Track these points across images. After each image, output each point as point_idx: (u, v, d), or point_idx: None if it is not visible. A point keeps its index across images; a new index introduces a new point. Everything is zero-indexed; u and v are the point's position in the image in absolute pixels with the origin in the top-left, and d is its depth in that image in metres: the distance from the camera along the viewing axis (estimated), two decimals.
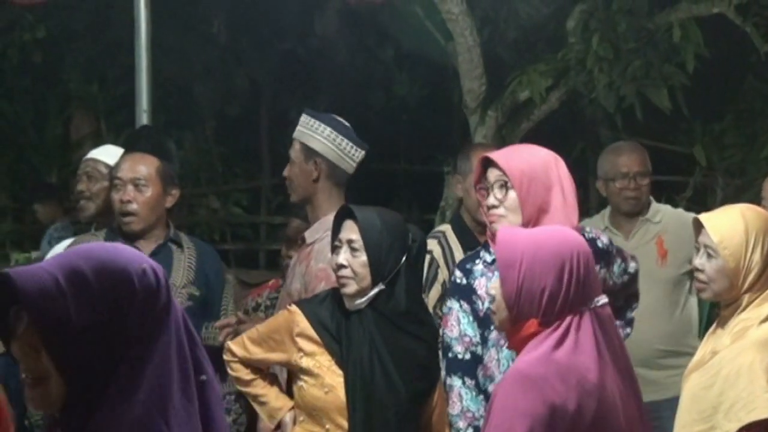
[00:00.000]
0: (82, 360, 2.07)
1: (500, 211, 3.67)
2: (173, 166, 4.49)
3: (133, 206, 4.28)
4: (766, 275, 3.53)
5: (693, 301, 5.10)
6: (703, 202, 8.79)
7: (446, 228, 4.73)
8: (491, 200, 3.69)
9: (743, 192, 8.38)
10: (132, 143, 4.50)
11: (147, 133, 4.65)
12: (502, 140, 7.19)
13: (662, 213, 5.16)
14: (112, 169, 4.40)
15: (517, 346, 3.05)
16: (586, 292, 3.01)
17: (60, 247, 4.89)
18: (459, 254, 4.55)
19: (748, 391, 3.37)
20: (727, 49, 8.17)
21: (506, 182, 3.66)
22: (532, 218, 3.62)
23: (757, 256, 3.51)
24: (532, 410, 2.86)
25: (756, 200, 4.64)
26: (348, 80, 11.28)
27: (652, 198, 5.21)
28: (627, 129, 8.22)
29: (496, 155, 3.74)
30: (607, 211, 5.24)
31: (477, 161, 3.83)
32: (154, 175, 4.30)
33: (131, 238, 4.27)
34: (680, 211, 5.37)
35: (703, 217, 3.62)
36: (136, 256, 2.15)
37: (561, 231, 3.18)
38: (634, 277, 4.06)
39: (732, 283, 3.53)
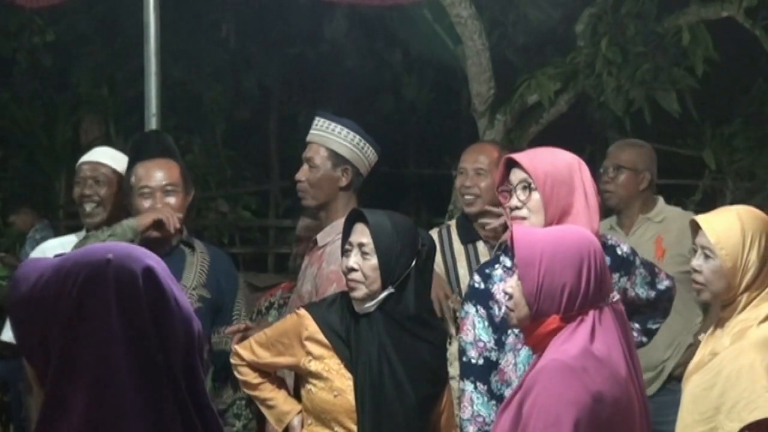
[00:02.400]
0: (40, 360, 2.06)
1: (523, 212, 3.65)
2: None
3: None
4: (763, 275, 3.56)
5: (688, 305, 5.09)
6: (712, 205, 8.74)
7: (453, 222, 4.80)
8: (514, 201, 3.66)
9: (753, 195, 8.38)
10: (140, 148, 4.46)
11: (155, 137, 4.62)
12: (510, 144, 7.19)
13: (666, 213, 5.21)
14: (131, 177, 4.34)
15: (536, 342, 3.11)
16: (604, 287, 3.10)
17: (49, 246, 4.83)
18: (457, 245, 4.68)
19: (749, 390, 3.39)
20: (736, 52, 8.16)
21: (530, 184, 3.64)
22: (554, 220, 3.60)
23: (753, 256, 3.53)
24: (576, 399, 2.92)
25: (766, 203, 4.65)
26: (357, 84, 11.29)
27: (661, 198, 5.25)
28: (636, 132, 8.21)
29: (519, 156, 3.71)
30: None
31: (501, 163, 3.81)
32: (179, 179, 4.31)
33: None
34: (688, 213, 5.38)
35: (700, 218, 3.65)
36: (108, 248, 2.12)
37: (576, 229, 3.26)
38: (662, 293, 4.01)
39: (729, 284, 3.55)
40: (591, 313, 3.05)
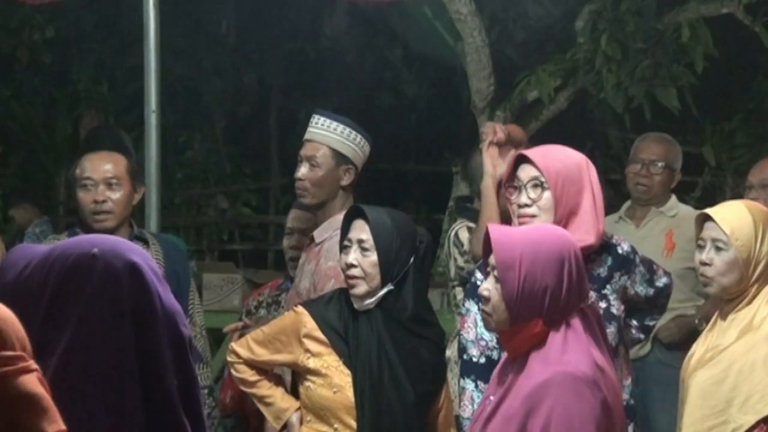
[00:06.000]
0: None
1: (532, 210, 3.62)
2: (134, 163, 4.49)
3: (109, 205, 4.26)
4: None
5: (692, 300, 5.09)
6: (712, 201, 8.73)
7: None
8: (524, 199, 3.63)
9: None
10: (92, 141, 4.49)
11: (107, 132, 4.63)
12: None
13: (678, 209, 5.25)
14: (76, 169, 4.38)
15: (516, 347, 3.01)
16: (583, 289, 3.04)
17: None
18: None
19: (764, 383, 3.41)
20: (736, 49, 8.15)
21: (542, 182, 3.61)
22: (563, 220, 3.59)
23: (765, 248, 3.56)
24: (592, 413, 2.86)
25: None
26: (356, 80, 11.28)
27: (673, 195, 5.27)
28: (635, 129, 8.21)
29: (532, 153, 3.68)
30: (628, 202, 5.33)
31: (510, 158, 3.79)
32: (124, 173, 4.31)
33: None
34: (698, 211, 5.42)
35: (711, 211, 3.65)
36: (94, 242, 2.13)
37: (554, 229, 3.19)
38: (661, 291, 3.99)
39: (742, 275, 3.56)
40: (575, 316, 2.97)
